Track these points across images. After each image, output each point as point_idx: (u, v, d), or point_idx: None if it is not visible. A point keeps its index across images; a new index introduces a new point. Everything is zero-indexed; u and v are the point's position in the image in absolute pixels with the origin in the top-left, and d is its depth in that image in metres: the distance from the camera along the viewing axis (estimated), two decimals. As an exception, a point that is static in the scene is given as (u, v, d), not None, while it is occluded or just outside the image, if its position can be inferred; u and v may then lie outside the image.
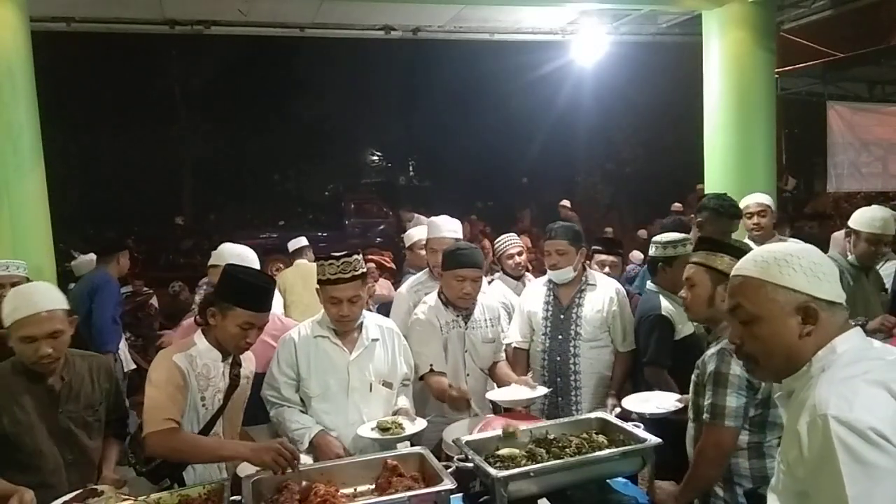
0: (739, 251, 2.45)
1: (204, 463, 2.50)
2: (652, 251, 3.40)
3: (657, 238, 3.42)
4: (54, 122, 6.56)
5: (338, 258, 2.76)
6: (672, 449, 2.47)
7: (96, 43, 12.73)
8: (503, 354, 3.50)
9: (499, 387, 3.27)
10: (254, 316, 2.46)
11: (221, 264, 2.99)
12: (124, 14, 6.59)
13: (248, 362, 2.77)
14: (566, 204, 13.04)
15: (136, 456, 2.51)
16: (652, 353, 3.20)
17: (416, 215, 10.69)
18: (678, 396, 2.85)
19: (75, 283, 5.67)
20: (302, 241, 6.46)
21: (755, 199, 4.42)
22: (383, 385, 2.90)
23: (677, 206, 10.98)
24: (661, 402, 2.88)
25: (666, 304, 3.23)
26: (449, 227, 3.92)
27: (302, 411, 2.83)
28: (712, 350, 2.33)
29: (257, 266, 3.61)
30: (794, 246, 1.50)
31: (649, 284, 3.44)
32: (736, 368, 2.19)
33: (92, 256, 5.96)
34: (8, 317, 2.32)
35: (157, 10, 6.34)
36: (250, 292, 2.48)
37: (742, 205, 4.41)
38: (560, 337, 3.47)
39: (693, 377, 2.44)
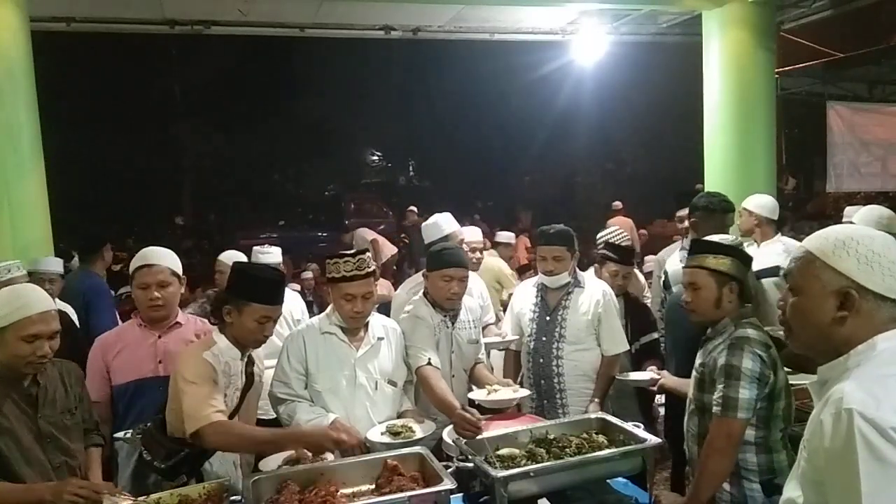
0: (739, 251, 2.50)
1: (263, 452, 2.53)
2: None
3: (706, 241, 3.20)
4: (54, 122, 6.55)
5: (352, 255, 2.80)
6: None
7: (96, 43, 12.70)
8: (483, 356, 3.47)
9: (478, 388, 3.22)
10: (269, 309, 2.55)
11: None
12: (124, 14, 6.60)
13: (259, 360, 2.80)
14: (413, 209, 13.03)
15: (153, 453, 2.49)
16: None
17: (357, 231, 10.72)
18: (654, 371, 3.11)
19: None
20: (507, 236, 6.56)
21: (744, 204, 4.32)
22: (388, 383, 2.92)
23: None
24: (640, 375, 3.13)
25: None
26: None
27: (311, 406, 2.83)
28: (720, 345, 2.35)
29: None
30: (864, 230, 1.45)
31: None
32: (747, 362, 2.21)
33: None
34: (12, 314, 2.25)
35: (157, 10, 6.35)
36: (263, 287, 2.56)
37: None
38: (544, 339, 3.45)
39: (695, 373, 2.45)
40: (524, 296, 3.63)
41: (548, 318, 3.46)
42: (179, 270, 3.03)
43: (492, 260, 5.52)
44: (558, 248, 3.37)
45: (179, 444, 2.46)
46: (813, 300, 1.43)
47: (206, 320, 3.21)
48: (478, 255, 4.51)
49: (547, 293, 3.50)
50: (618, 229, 4.40)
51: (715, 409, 2.25)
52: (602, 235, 4.25)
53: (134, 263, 2.98)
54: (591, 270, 3.97)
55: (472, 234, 4.65)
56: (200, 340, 2.64)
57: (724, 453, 2.22)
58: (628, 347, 3.55)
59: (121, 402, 2.90)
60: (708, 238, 2.65)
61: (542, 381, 3.44)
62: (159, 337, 2.96)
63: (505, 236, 6.72)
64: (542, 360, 3.44)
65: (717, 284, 2.41)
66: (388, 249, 6.43)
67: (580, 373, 3.39)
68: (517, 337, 3.61)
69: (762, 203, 4.35)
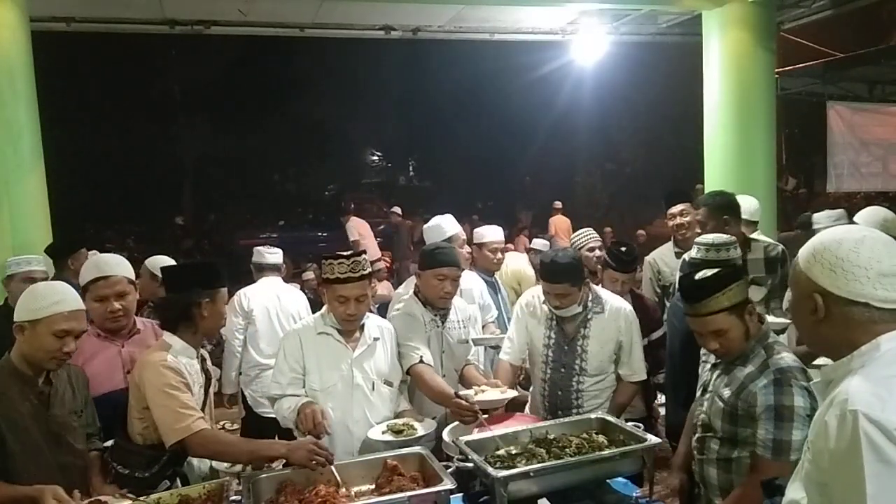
0: (737, 271, 2.41)
1: (243, 463, 2.59)
2: (700, 254, 2.94)
3: (703, 239, 3.00)
4: (54, 122, 6.55)
5: (347, 257, 2.79)
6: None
7: (96, 43, 12.71)
8: (473, 357, 3.42)
9: (466, 388, 3.10)
10: (226, 290, 2.69)
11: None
12: (124, 14, 6.59)
13: (207, 358, 2.81)
14: (396, 210, 12.52)
15: (130, 466, 2.45)
16: None
17: (351, 219, 10.69)
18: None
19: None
20: (542, 244, 6.67)
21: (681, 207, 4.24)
22: (385, 384, 2.92)
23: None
24: None
25: None
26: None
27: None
28: (755, 374, 2.21)
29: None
30: (836, 236, 1.45)
31: None
32: (799, 399, 2.10)
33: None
34: (46, 308, 2.29)
35: (157, 10, 6.34)
36: (218, 273, 2.66)
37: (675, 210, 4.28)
38: (563, 370, 3.15)
39: (723, 405, 2.29)
40: (537, 315, 3.27)
41: (566, 347, 3.15)
42: (133, 277, 2.96)
43: (514, 260, 5.35)
44: (561, 286, 3.02)
45: (158, 450, 2.43)
46: (797, 302, 1.51)
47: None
48: (499, 255, 4.29)
49: (563, 321, 3.17)
50: (590, 233, 4.48)
51: (762, 450, 2.13)
52: (577, 239, 4.37)
53: (87, 274, 2.86)
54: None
55: (494, 234, 4.33)
56: (156, 346, 2.59)
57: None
58: (646, 377, 3.27)
59: None
60: (701, 275, 2.35)
61: (560, 412, 3.15)
62: (122, 346, 2.87)
63: (540, 244, 6.84)
64: (559, 393, 3.17)
65: (738, 318, 2.25)
66: (374, 253, 6.42)
67: (599, 402, 3.16)
68: (521, 356, 3.37)
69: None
